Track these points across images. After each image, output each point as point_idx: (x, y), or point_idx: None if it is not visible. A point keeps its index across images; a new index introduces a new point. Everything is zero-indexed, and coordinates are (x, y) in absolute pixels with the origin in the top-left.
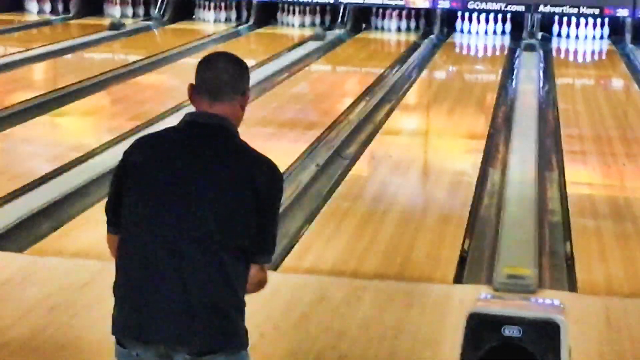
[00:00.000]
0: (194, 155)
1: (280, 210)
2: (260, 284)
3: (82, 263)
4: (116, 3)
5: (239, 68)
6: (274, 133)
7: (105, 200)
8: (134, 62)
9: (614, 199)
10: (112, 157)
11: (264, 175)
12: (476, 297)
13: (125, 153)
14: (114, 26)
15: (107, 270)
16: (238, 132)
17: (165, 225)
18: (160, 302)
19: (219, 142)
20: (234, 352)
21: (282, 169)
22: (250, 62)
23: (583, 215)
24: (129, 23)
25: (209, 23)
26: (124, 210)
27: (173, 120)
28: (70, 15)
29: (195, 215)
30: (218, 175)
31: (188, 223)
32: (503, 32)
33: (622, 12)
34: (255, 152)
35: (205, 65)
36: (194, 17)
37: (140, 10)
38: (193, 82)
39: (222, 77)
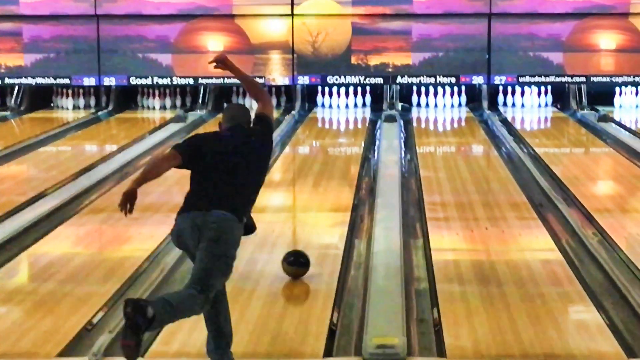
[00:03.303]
0: (239, 137)
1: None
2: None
3: None
4: None
5: (246, 109)
6: (137, 217)
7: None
8: None
9: (479, 262)
10: None
11: (266, 135)
12: None
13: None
14: None
15: None
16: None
17: (218, 167)
18: (203, 197)
19: (249, 130)
20: (234, 217)
21: (146, 253)
22: (111, 147)
23: (449, 281)
24: None
25: (68, 110)
26: (204, 156)
27: (36, 210)
28: None
29: (234, 162)
30: (250, 144)
31: (230, 163)
32: (363, 105)
33: (478, 80)
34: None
35: (229, 108)
36: (52, 105)
37: None
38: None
39: (239, 112)
